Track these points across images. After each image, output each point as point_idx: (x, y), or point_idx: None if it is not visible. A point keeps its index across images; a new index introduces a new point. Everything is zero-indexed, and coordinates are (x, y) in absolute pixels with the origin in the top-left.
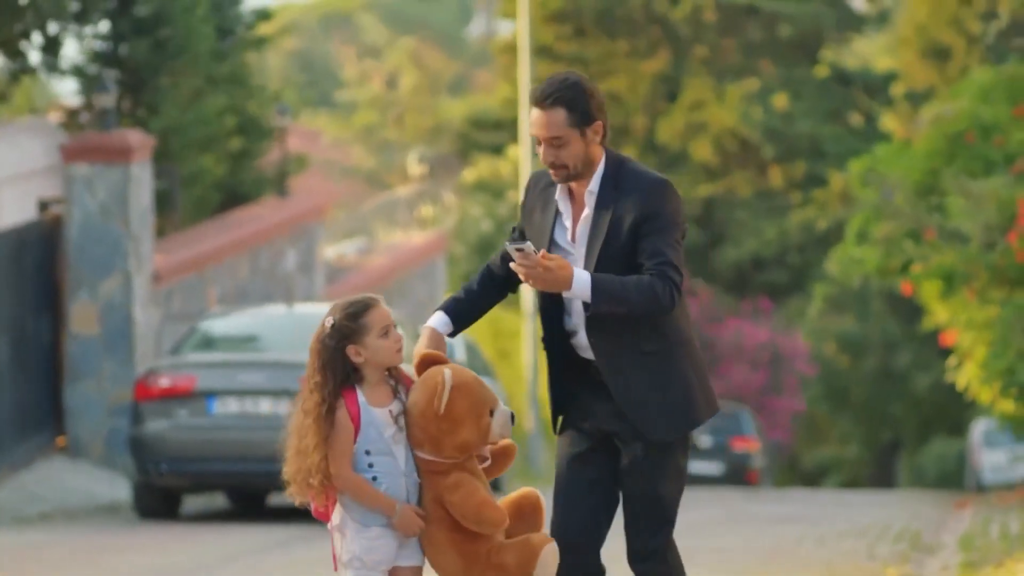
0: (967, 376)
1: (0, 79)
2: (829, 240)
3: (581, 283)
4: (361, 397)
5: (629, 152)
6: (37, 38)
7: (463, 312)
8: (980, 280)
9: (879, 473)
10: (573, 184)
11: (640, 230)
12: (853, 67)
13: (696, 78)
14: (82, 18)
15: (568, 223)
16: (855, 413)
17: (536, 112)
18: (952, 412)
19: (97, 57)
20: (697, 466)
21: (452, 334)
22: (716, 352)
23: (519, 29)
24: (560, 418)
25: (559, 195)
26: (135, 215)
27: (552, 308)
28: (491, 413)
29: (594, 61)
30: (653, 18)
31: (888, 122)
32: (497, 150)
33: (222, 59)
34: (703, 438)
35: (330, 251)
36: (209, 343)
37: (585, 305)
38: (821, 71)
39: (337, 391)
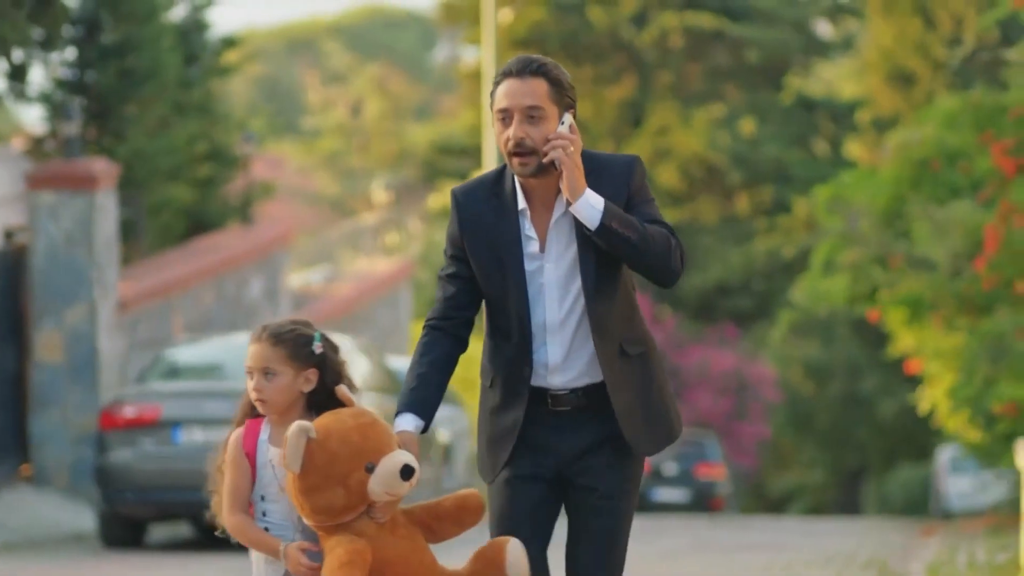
0: (933, 402)
1: None
2: (795, 267)
3: (591, 192)
4: (264, 433)
5: None
6: (2, 65)
7: (428, 401)
8: (946, 307)
9: (844, 499)
10: (532, 182)
11: (628, 209)
12: (818, 93)
13: (662, 103)
14: (48, 45)
15: (533, 233)
16: (820, 439)
17: (512, 82)
18: (917, 438)
19: (63, 85)
20: (662, 493)
21: (425, 429)
22: (682, 378)
23: (484, 55)
24: (499, 462)
25: (520, 200)
26: (100, 243)
27: (520, 312)
28: (371, 467)
29: None
30: (619, 44)
31: (853, 149)
32: (462, 176)
33: (189, 87)
34: (668, 464)
35: (295, 279)
36: (174, 372)
37: (582, 231)
38: (787, 97)
39: (242, 421)
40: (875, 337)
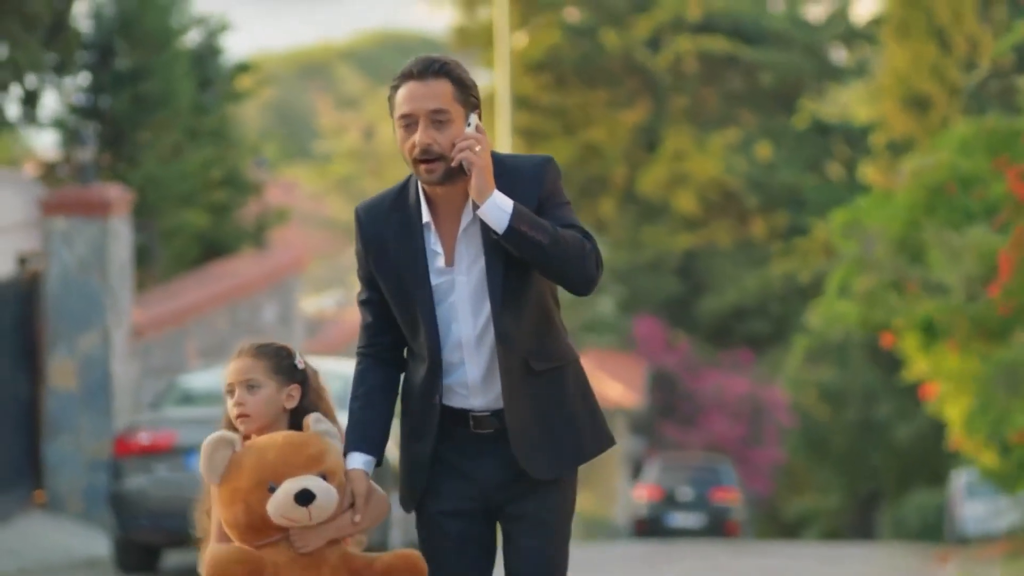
0: (948, 423)
1: None
2: (810, 291)
3: (500, 194)
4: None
5: (608, 203)
6: (15, 91)
7: (371, 436)
8: (961, 332)
9: (859, 524)
10: (438, 191)
11: (540, 213)
12: (833, 117)
13: (677, 128)
14: (61, 71)
15: (439, 247)
16: (835, 463)
17: (413, 85)
18: (932, 462)
19: (76, 110)
20: (677, 518)
21: (379, 463)
22: (696, 403)
23: (498, 79)
24: (416, 491)
25: (424, 213)
26: (114, 269)
27: (429, 334)
28: (272, 488)
29: (573, 111)
30: (633, 68)
31: (868, 172)
32: None
33: (203, 112)
34: (683, 490)
35: (309, 304)
36: (188, 398)
37: (488, 232)
38: (801, 121)
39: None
40: (890, 362)
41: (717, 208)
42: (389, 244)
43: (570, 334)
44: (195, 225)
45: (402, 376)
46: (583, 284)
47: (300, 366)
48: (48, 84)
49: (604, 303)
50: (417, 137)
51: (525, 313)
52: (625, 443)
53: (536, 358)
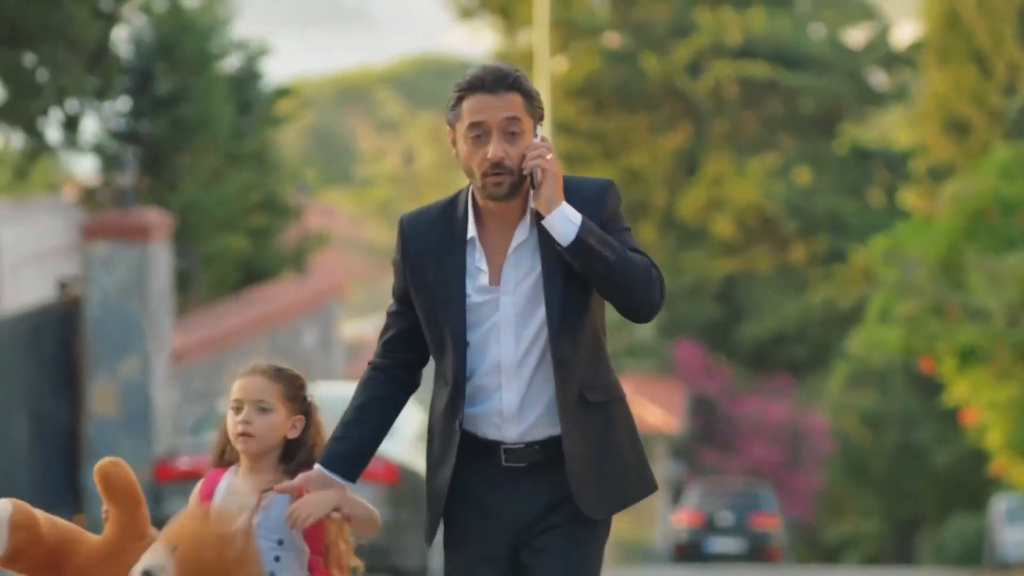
0: (989, 449)
1: (18, 157)
2: (850, 316)
3: (568, 205)
4: (225, 480)
5: (648, 228)
6: (56, 115)
7: (349, 454)
8: (1001, 357)
9: (899, 549)
10: (493, 206)
11: None
12: (873, 142)
13: (716, 152)
14: (102, 95)
15: (484, 264)
16: (875, 488)
17: (484, 97)
18: (973, 488)
19: (116, 135)
20: (718, 543)
21: (354, 480)
22: (736, 428)
23: None
24: (434, 524)
25: (471, 228)
26: (154, 294)
27: (456, 357)
28: None
29: (613, 136)
30: (673, 93)
31: (908, 197)
32: None
33: (242, 137)
34: (723, 515)
35: (349, 329)
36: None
37: (549, 245)
38: (841, 146)
39: (217, 463)
40: (930, 386)
41: (756, 233)
42: (429, 258)
43: (611, 358)
44: (235, 250)
45: (407, 397)
46: (646, 309)
47: (308, 398)
48: (88, 109)
49: (644, 328)
50: (491, 150)
51: (581, 339)
52: (665, 468)
53: (590, 389)
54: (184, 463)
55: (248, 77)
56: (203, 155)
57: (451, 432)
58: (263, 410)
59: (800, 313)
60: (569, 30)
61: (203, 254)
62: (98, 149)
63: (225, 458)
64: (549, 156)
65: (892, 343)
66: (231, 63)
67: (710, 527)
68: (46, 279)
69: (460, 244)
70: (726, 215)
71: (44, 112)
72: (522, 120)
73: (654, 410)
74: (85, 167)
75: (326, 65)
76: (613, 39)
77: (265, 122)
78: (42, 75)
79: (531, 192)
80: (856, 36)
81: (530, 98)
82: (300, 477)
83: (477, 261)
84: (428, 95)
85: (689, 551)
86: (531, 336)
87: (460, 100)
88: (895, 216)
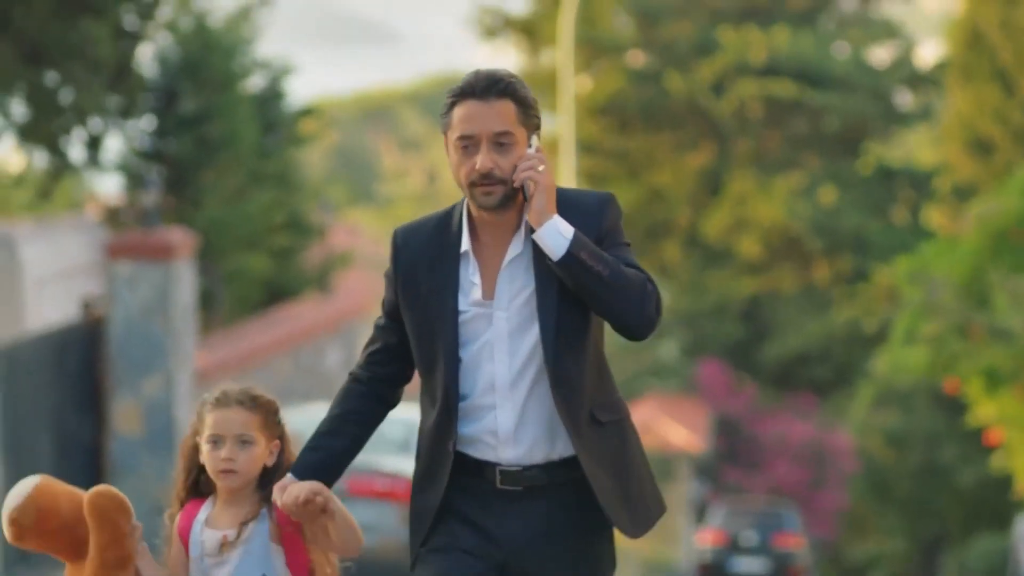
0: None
1: (41, 176)
2: (874, 336)
3: (560, 218)
4: (203, 513)
5: (671, 247)
6: (80, 134)
7: (322, 465)
8: None
9: (924, 568)
10: (487, 218)
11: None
12: (897, 161)
13: (741, 171)
14: (126, 114)
15: (477, 279)
16: (899, 508)
17: (475, 105)
18: (997, 507)
19: (140, 154)
20: (742, 563)
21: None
22: (760, 448)
23: (563, 123)
24: (416, 542)
25: (464, 241)
26: (177, 313)
27: (447, 375)
28: None
29: (637, 155)
30: (697, 112)
31: (933, 217)
32: None
33: (266, 156)
34: (747, 534)
35: None
36: None
37: (543, 259)
38: (866, 165)
39: (188, 491)
40: (954, 406)
41: (781, 252)
42: (421, 271)
43: (634, 378)
44: (258, 269)
45: (386, 413)
46: (641, 325)
47: (281, 422)
48: (112, 128)
49: (668, 347)
50: (479, 161)
51: (583, 355)
52: (688, 487)
53: (600, 408)
54: None
55: (272, 96)
56: (227, 174)
57: (444, 454)
58: (245, 443)
59: (824, 332)
60: (593, 49)
61: (227, 273)
62: (122, 168)
63: (201, 489)
64: (541, 168)
65: (917, 364)
66: (255, 82)
67: (734, 547)
68: (69, 298)
69: (454, 257)
70: (750, 234)
71: (67, 131)
72: (513, 131)
73: (678, 430)
74: (108, 186)
75: (350, 84)
76: (637, 58)
77: (289, 141)
78: (64, 94)
79: (525, 205)
80: (880, 55)
81: (524, 106)
82: (276, 490)
83: (470, 275)
84: None
85: (713, 571)
86: (526, 354)
87: (451, 107)
88: (920, 235)
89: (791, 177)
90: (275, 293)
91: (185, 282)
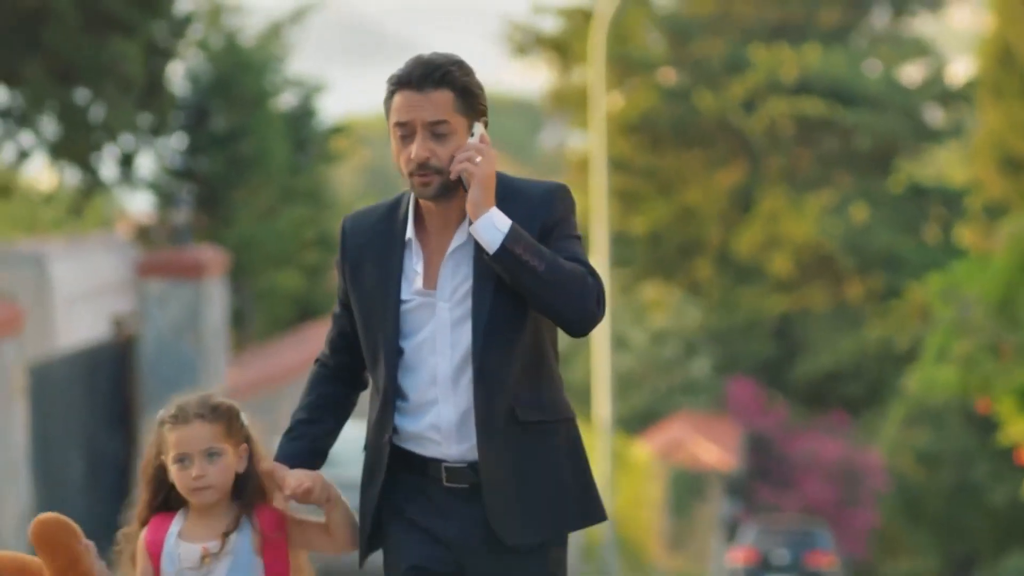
0: None
1: (72, 194)
2: (905, 354)
3: (498, 211)
4: (176, 525)
5: (703, 265)
6: (111, 152)
7: (303, 453)
8: None
9: None
10: (432, 207)
11: (542, 243)
12: (929, 179)
13: (772, 189)
14: (156, 132)
15: (420, 267)
16: (931, 527)
17: (408, 95)
18: None
19: (171, 172)
20: None
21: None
22: (792, 466)
23: (594, 141)
24: (363, 540)
25: (409, 229)
26: (208, 331)
27: (388, 364)
28: None
29: (668, 173)
30: (728, 130)
31: (964, 235)
32: None
33: (297, 173)
34: (779, 553)
35: None
36: None
37: (484, 252)
38: (897, 183)
39: (150, 509)
40: (985, 424)
41: (812, 270)
42: (367, 259)
43: (666, 396)
44: (289, 287)
45: (357, 395)
46: (579, 321)
47: (245, 422)
48: (143, 145)
49: (699, 365)
50: (413, 150)
51: (514, 351)
52: (719, 506)
53: (524, 406)
54: None
55: (303, 114)
56: (258, 192)
57: (381, 446)
58: (213, 456)
59: (856, 350)
60: (625, 66)
61: (258, 291)
62: (153, 186)
63: (171, 506)
64: (479, 159)
65: (948, 382)
66: (287, 100)
67: (766, 565)
68: (100, 316)
69: (399, 245)
70: (782, 252)
71: (98, 149)
72: (449, 120)
73: (709, 448)
74: (139, 204)
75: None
76: (669, 75)
77: (320, 159)
78: (95, 112)
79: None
80: (911, 73)
81: (465, 94)
82: (275, 476)
83: (414, 263)
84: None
85: None
86: (467, 346)
87: (391, 95)
88: (951, 253)
89: (822, 195)
90: (306, 311)
91: (216, 300)
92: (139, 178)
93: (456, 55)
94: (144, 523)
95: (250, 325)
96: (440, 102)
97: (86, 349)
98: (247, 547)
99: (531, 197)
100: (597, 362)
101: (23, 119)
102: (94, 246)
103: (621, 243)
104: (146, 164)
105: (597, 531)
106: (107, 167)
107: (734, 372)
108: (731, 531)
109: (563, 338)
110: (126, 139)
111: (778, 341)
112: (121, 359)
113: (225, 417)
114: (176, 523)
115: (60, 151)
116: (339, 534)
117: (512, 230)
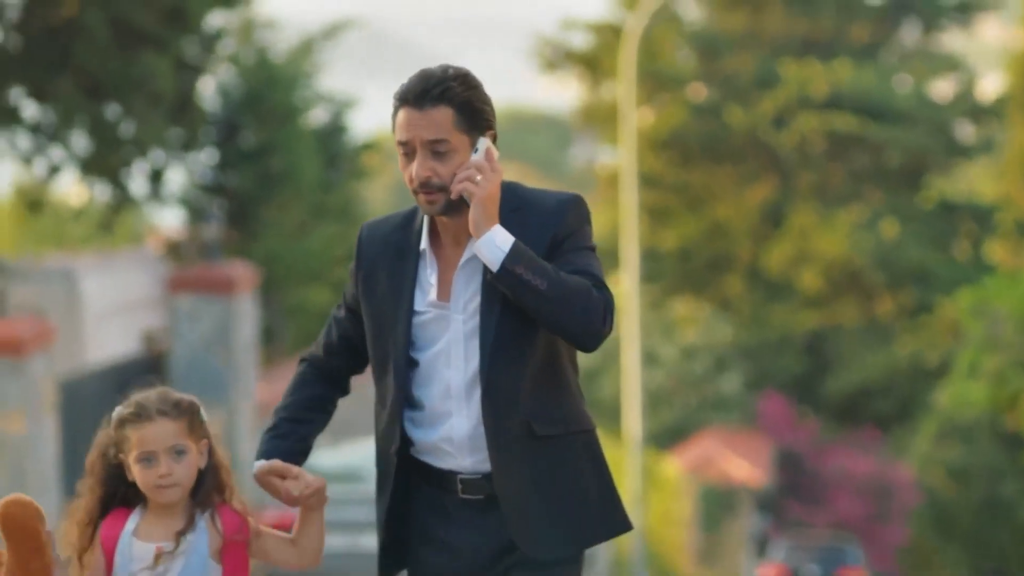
0: None
1: (103, 209)
2: (936, 369)
3: (501, 229)
4: (131, 523)
5: (733, 281)
6: (141, 167)
7: (292, 452)
8: None
9: None
10: (444, 220)
11: (554, 255)
12: (959, 195)
13: (803, 205)
14: (187, 147)
15: (434, 279)
16: (962, 542)
17: (408, 112)
18: None
19: (202, 187)
20: None
21: None
22: (822, 481)
23: (624, 156)
24: (382, 555)
25: (423, 239)
26: (238, 346)
27: (399, 374)
28: None
29: (699, 188)
30: (759, 145)
31: (995, 251)
32: None
33: (328, 189)
34: (810, 568)
35: None
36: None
37: (488, 272)
38: (927, 199)
39: (103, 506)
40: (1016, 441)
41: (843, 286)
42: (381, 267)
43: (696, 412)
44: (320, 302)
45: (339, 399)
46: (585, 337)
47: (205, 418)
48: (173, 161)
49: (730, 381)
50: (414, 169)
51: (526, 364)
52: (750, 521)
53: (540, 420)
54: (270, 517)
55: (334, 130)
56: (289, 208)
57: (389, 457)
58: (179, 454)
59: (886, 366)
60: (655, 82)
61: (288, 307)
62: (183, 201)
63: (127, 502)
64: (479, 177)
65: (979, 398)
66: (317, 116)
67: None
68: (130, 332)
69: (413, 255)
70: (812, 268)
71: (128, 164)
72: (449, 138)
73: (740, 463)
74: (170, 219)
75: None
76: (699, 91)
77: (351, 175)
78: (126, 127)
79: None
80: (942, 88)
81: (466, 110)
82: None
83: (428, 275)
84: (513, 147)
85: None
86: (479, 359)
87: (395, 111)
88: (982, 269)
89: (853, 211)
90: None
91: (246, 316)
92: (169, 193)
93: (462, 68)
94: (94, 522)
95: (280, 340)
96: (439, 120)
97: (116, 364)
98: (203, 548)
99: (544, 208)
100: (627, 378)
101: (54, 134)
102: (124, 262)
103: (651, 259)
104: (176, 179)
105: (627, 546)
106: (137, 182)
107: (764, 388)
108: (761, 547)
109: (591, 353)
110: (156, 154)
111: (809, 357)
112: (151, 374)
113: (188, 413)
114: (132, 520)
115: (90, 166)
116: (310, 547)
117: (513, 249)
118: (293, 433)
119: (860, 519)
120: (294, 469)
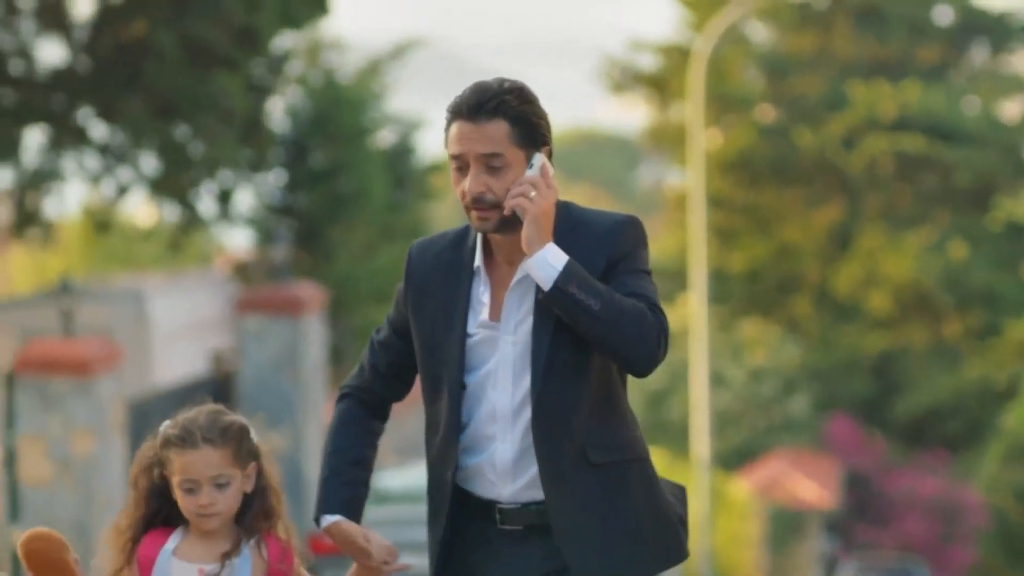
0: None
1: (172, 229)
2: (1005, 391)
3: (554, 247)
4: (172, 542)
5: (801, 302)
6: (210, 188)
7: (355, 499)
8: None
9: None
10: (497, 238)
11: (608, 277)
12: None
13: (870, 226)
14: (256, 168)
15: (487, 298)
16: None
17: (462, 126)
18: None
19: (271, 208)
20: None
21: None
22: (890, 503)
23: (692, 178)
24: None
25: (477, 257)
26: (306, 367)
27: (451, 397)
28: None
29: (767, 210)
30: (827, 167)
31: None
32: (667, 299)
33: (396, 210)
34: None
35: None
36: (383, 497)
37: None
38: (996, 221)
39: (145, 524)
40: None
41: (911, 308)
42: (432, 287)
43: (764, 434)
44: None
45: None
46: (639, 361)
47: (254, 439)
48: (242, 181)
49: (798, 403)
50: (468, 184)
51: (580, 388)
52: (818, 543)
53: (596, 448)
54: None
55: (402, 151)
56: (357, 229)
57: (444, 483)
58: (222, 485)
59: (955, 388)
60: (722, 104)
61: (356, 328)
62: (252, 222)
63: (169, 520)
64: (533, 194)
65: None
66: (385, 137)
67: None
68: (198, 352)
69: (467, 273)
70: (880, 290)
71: (197, 185)
72: (504, 152)
73: (808, 485)
74: (238, 240)
75: None
76: (767, 113)
77: (419, 196)
78: (195, 148)
79: None
80: (1010, 109)
81: (522, 124)
82: (333, 534)
83: (480, 293)
84: (582, 168)
85: None
86: (528, 384)
87: (448, 124)
88: None
89: (921, 232)
90: None
91: (314, 337)
92: (238, 214)
93: (518, 81)
94: (136, 540)
95: (348, 361)
96: (494, 134)
97: (184, 385)
98: (247, 574)
99: (599, 229)
100: (695, 400)
101: (123, 155)
102: (192, 282)
103: (719, 280)
104: (245, 200)
105: (695, 568)
106: (206, 203)
107: (833, 410)
108: (830, 568)
109: (660, 375)
110: (225, 175)
111: (876, 379)
112: (219, 395)
113: (235, 439)
114: (173, 540)
115: (159, 187)
116: None
117: (567, 268)
118: (358, 480)
119: (928, 541)
120: (368, 535)
